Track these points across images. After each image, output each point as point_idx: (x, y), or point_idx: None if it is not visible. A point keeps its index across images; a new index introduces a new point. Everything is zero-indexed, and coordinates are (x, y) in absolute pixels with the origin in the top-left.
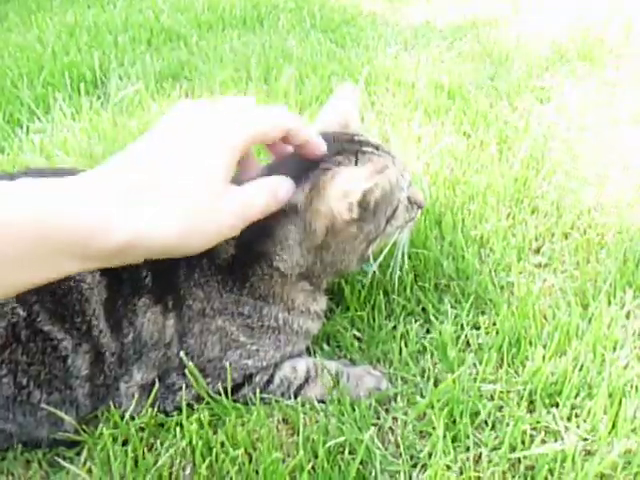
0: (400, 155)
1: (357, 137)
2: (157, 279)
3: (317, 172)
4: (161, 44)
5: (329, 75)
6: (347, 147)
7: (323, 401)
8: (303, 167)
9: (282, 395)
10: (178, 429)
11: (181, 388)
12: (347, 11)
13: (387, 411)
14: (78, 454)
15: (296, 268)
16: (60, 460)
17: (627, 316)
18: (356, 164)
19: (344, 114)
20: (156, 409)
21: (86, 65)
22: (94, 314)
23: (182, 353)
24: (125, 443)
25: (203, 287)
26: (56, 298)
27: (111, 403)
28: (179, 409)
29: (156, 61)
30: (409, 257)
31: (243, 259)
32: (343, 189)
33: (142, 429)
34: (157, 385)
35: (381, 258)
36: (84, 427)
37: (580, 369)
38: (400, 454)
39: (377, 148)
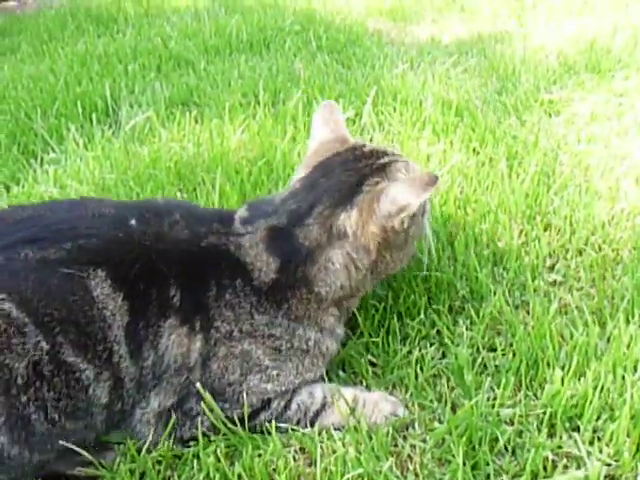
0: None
1: (365, 149)
2: (186, 299)
3: (361, 196)
4: (170, 70)
5: (336, 97)
6: (369, 164)
7: (340, 428)
8: (344, 191)
9: (299, 422)
10: (195, 461)
11: (199, 414)
12: (352, 31)
13: (405, 438)
14: None
15: (338, 292)
16: None
17: None
18: (388, 179)
19: (341, 131)
20: (173, 436)
21: (97, 94)
22: (115, 340)
23: (198, 384)
24: (142, 476)
25: (234, 308)
26: (80, 327)
27: (128, 434)
28: (196, 438)
29: (166, 88)
30: (423, 280)
31: (284, 282)
32: (398, 205)
33: (159, 462)
34: (174, 412)
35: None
36: (102, 461)
37: (601, 391)
38: None
39: (386, 154)
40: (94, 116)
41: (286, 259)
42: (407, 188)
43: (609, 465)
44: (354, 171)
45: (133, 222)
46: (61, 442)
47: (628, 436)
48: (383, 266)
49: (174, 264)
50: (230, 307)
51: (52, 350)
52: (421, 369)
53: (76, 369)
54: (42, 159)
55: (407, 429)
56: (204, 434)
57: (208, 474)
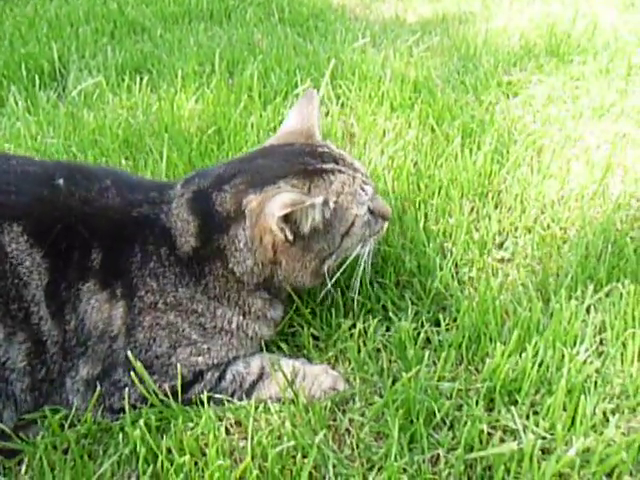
0: (362, 166)
1: (320, 149)
2: (107, 262)
3: (270, 188)
4: (124, 36)
5: (294, 69)
6: (307, 162)
7: (278, 401)
8: (266, 176)
9: (234, 394)
10: (121, 435)
11: (127, 385)
12: (316, 5)
13: (344, 412)
14: (19, 464)
15: (252, 276)
16: None
17: (587, 311)
18: (309, 189)
19: (310, 124)
20: (102, 407)
21: (44, 57)
22: (33, 299)
23: (129, 352)
24: (67, 451)
25: (158, 278)
26: None
27: (57, 403)
28: (125, 410)
29: (118, 54)
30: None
31: (202, 253)
32: (272, 213)
33: (85, 436)
34: (102, 382)
35: (338, 274)
36: (22, 434)
37: (540, 365)
38: (355, 457)
39: (337, 162)
40: (40, 79)
41: (203, 222)
42: (280, 201)
43: (544, 438)
44: (289, 164)
45: (61, 181)
46: None
47: (564, 409)
48: (282, 272)
49: (99, 228)
50: (154, 277)
51: None
52: (364, 343)
53: None
54: None
55: (347, 403)
56: (134, 406)
57: (136, 448)
